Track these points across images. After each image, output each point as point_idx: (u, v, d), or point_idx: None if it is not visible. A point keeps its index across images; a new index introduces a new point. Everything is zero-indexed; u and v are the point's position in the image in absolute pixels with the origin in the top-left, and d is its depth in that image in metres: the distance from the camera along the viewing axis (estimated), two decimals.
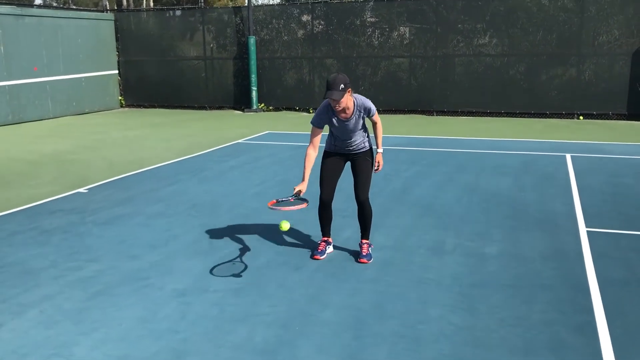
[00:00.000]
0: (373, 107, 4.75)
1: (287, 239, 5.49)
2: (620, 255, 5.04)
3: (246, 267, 4.81)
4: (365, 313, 3.98)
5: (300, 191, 4.52)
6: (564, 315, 3.92)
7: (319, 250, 5.03)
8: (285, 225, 4.36)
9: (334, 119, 4.69)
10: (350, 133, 4.75)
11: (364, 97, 4.74)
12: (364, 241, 5.01)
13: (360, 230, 5.06)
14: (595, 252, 5.09)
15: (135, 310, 4.04)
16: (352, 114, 4.65)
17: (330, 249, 5.12)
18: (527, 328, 3.74)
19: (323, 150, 4.98)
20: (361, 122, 4.75)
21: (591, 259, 4.94)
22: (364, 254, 4.92)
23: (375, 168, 4.93)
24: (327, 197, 4.87)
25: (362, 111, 4.68)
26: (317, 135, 4.75)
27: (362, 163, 4.85)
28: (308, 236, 5.54)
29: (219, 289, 4.38)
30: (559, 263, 4.86)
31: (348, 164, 4.97)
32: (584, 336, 3.63)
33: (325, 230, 5.09)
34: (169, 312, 4.01)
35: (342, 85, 4.40)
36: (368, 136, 4.93)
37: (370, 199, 4.92)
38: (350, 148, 4.85)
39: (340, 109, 4.53)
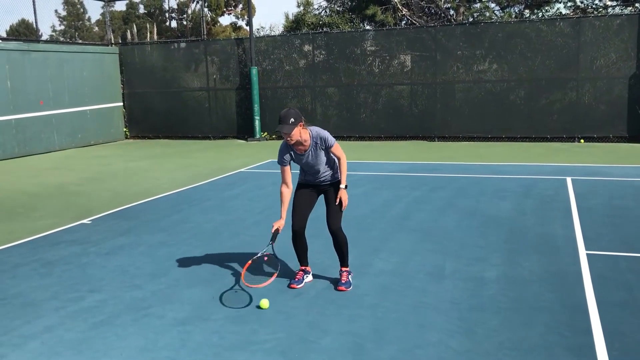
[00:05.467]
0: (330, 139, 4.77)
1: (288, 266, 5.53)
2: (619, 277, 5.05)
3: (248, 295, 4.85)
4: (364, 339, 3.99)
5: (278, 229, 4.80)
6: (563, 337, 3.92)
7: (297, 280, 5.04)
8: (264, 304, 4.58)
9: (293, 154, 4.82)
10: (314, 166, 4.85)
11: (321, 129, 4.80)
12: (343, 269, 5.05)
13: (338, 259, 5.08)
14: (594, 275, 5.10)
15: (136, 340, 4.07)
16: (309, 146, 4.75)
17: (308, 277, 5.13)
18: (525, 351, 3.75)
19: (297, 183, 5.08)
20: (323, 154, 4.80)
21: (590, 281, 4.95)
22: (343, 281, 4.96)
23: (337, 203, 4.86)
24: (297, 227, 4.92)
25: (319, 142, 4.74)
26: (286, 173, 4.88)
27: (334, 194, 4.90)
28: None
29: (219, 317, 4.41)
30: (558, 286, 4.87)
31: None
32: (583, 358, 3.64)
33: (302, 259, 5.13)
34: (170, 340, 4.04)
35: (292, 119, 4.53)
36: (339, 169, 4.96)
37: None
38: (320, 181, 4.95)
39: (293, 142, 4.64)
